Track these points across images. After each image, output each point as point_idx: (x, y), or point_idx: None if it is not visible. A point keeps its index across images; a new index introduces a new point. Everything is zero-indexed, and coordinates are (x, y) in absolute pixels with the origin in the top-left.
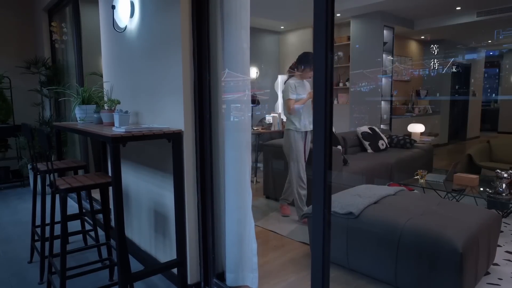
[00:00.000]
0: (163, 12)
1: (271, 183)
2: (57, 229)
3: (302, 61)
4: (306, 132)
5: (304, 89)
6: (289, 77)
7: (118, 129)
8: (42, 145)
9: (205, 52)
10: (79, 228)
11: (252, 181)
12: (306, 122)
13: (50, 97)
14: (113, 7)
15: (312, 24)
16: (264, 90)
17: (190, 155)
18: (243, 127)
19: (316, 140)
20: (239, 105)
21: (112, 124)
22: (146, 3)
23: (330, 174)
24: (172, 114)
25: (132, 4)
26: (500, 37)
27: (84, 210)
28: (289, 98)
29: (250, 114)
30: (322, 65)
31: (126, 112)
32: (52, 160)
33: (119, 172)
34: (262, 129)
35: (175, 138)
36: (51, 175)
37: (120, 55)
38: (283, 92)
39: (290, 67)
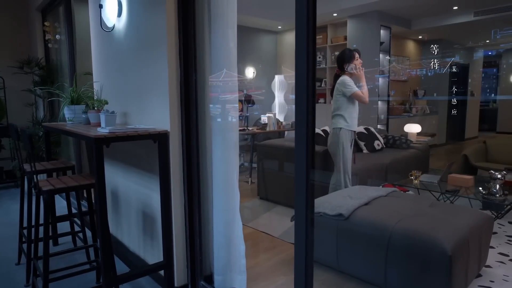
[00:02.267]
0: (149, 11)
1: (264, 184)
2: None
3: (346, 58)
4: (353, 132)
5: (354, 82)
6: (336, 78)
7: (103, 130)
8: (25, 146)
9: (192, 52)
10: (69, 229)
11: (247, 182)
12: (355, 122)
13: (43, 97)
14: (101, 6)
15: None
16: (261, 90)
17: (176, 156)
18: (230, 127)
19: (298, 139)
20: (226, 105)
21: (99, 124)
22: (133, 2)
23: (312, 174)
24: (159, 114)
25: (120, 4)
26: (498, 37)
27: (75, 211)
28: (356, 91)
29: (238, 114)
30: (304, 63)
31: (113, 112)
32: (44, 161)
33: (103, 173)
34: (257, 129)
35: (160, 138)
36: (35, 176)
37: (109, 55)
38: (345, 88)
39: (338, 71)
